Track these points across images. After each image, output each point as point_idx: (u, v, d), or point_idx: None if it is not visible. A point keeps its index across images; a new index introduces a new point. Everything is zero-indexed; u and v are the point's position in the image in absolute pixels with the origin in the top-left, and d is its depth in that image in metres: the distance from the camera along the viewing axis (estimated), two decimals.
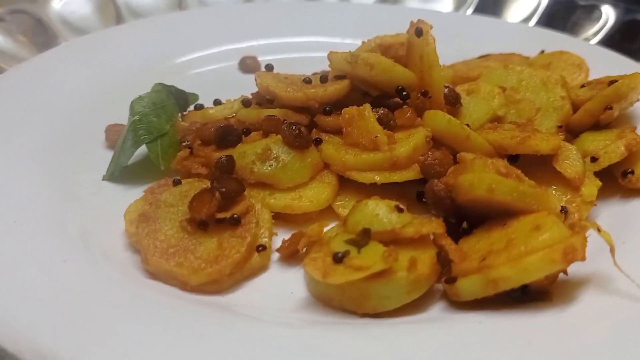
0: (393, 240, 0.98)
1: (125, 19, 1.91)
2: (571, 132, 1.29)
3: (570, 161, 1.16)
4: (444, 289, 0.99)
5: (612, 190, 1.20)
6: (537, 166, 1.15)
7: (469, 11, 2.10)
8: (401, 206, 1.04)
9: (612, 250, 0.94)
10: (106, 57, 1.63)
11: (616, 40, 1.48)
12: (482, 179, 1.01)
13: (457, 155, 1.14)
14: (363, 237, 0.98)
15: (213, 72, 1.70)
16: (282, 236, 1.10)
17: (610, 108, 1.27)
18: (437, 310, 0.98)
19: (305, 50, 1.71)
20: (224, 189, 1.07)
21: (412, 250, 0.98)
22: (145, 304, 0.93)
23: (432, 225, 1.01)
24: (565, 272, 0.95)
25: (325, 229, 1.09)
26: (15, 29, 1.77)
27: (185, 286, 1.00)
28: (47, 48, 1.70)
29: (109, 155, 1.29)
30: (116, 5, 1.92)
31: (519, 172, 1.04)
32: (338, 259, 0.94)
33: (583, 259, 0.89)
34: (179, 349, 0.84)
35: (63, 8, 1.84)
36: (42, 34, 1.79)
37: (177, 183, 1.15)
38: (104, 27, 1.84)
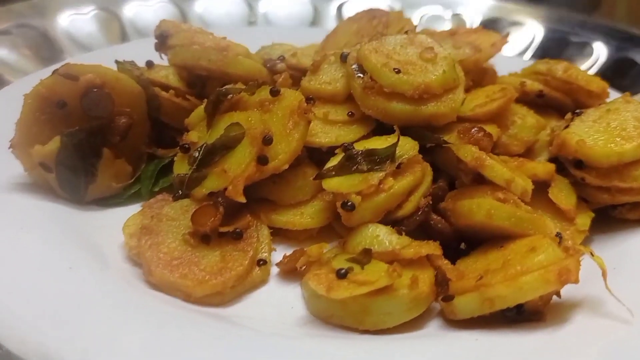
0: (393, 261, 1.00)
1: (130, 38, 1.94)
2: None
3: (565, 193, 1.19)
4: (441, 307, 1.01)
5: (603, 220, 1.24)
6: (533, 196, 1.15)
7: None
8: (400, 229, 1.07)
9: (604, 274, 0.96)
10: None
11: (607, 76, 1.52)
12: (481, 205, 1.04)
13: (456, 181, 1.17)
14: (364, 257, 1.00)
15: None
16: (281, 252, 1.12)
17: None
18: (434, 328, 1.00)
19: None
20: (226, 203, 1.09)
21: (412, 270, 0.99)
22: (149, 311, 0.94)
23: (430, 247, 1.03)
24: (558, 294, 0.98)
25: (324, 251, 1.11)
26: (20, 42, 1.78)
27: (188, 297, 1.00)
28: (52, 63, 1.70)
29: None
30: (121, 23, 1.96)
31: (516, 197, 1.07)
32: (341, 274, 0.96)
33: (576, 281, 0.91)
34: (181, 355, 0.86)
35: (69, 24, 1.87)
36: (47, 49, 1.80)
37: (177, 198, 1.15)
38: (109, 44, 1.87)
